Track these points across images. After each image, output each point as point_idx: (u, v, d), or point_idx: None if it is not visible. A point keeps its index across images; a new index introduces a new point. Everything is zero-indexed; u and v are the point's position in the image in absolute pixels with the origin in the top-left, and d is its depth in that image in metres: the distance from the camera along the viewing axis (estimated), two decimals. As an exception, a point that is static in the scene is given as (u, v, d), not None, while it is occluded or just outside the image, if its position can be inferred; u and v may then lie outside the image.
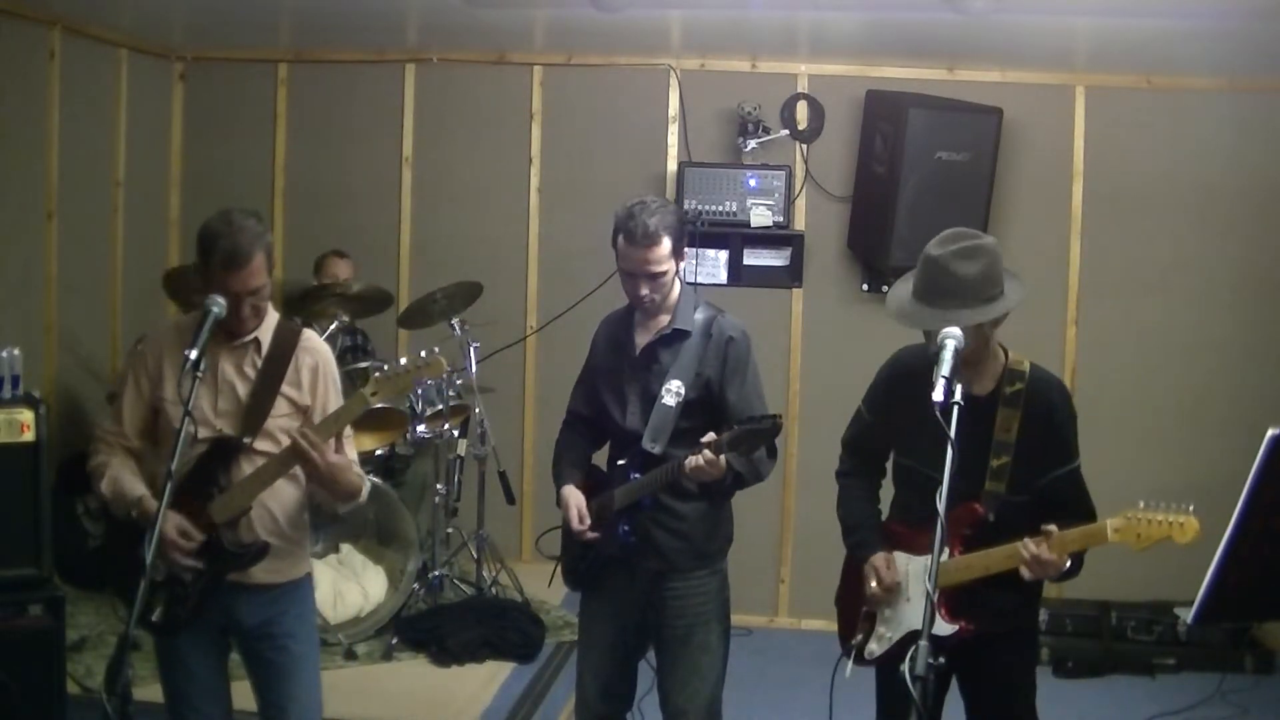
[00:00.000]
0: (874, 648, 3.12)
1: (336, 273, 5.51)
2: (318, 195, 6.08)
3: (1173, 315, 5.71)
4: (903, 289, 2.96)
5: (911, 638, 2.98)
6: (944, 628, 2.93)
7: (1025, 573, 2.81)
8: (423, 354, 2.93)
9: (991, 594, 2.94)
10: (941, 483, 2.76)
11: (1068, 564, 2.82)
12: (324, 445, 2.88)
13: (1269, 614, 3.49)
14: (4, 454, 3.62)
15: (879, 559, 3.08)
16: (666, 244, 3.15)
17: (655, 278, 3.18)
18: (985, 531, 2.92)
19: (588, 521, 3.28)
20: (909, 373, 3.05)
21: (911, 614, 3.04)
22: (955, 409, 2.57)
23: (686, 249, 3.29)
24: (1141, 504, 2.69)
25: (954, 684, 3.17)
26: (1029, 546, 2.79)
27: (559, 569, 3.54)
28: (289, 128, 6.09)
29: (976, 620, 2.94)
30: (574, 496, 3.32)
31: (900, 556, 3.08)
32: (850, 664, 3.07)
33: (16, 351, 3.79)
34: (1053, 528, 2.79)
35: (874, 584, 3.06)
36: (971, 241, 2.87)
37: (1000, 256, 2.90)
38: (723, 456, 2.99)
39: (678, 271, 3.25)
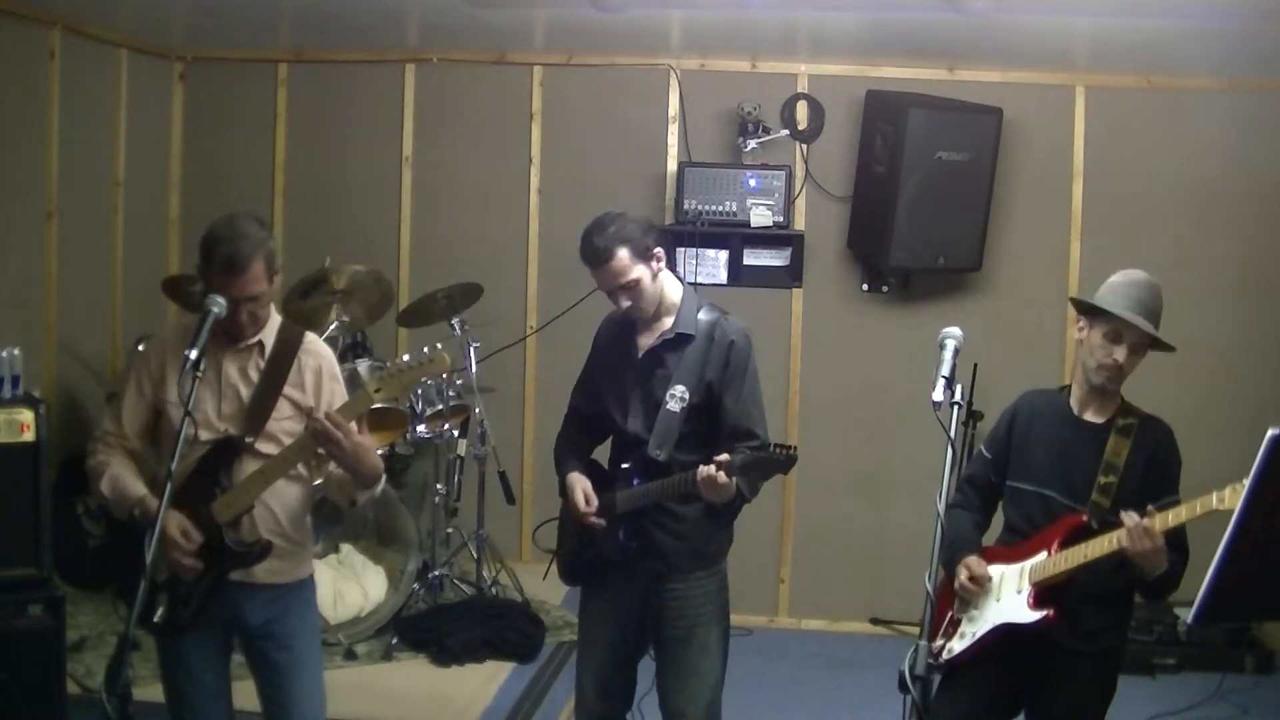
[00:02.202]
0: (955, 646, 3.16)
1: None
2: (318, 195, 6.08)
3: (1173, 315, 5.67)
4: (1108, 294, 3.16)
5: (999, 631, 3.08)
6: (1029, 615, 3.03)
7: (1126, 541, 2.85)
8: (425, 350, 2.94)
9: (1080, 610, 3.05)
10: (1050, 498, 3.11)
11: (1164, 562, 2.87)
12: (348, 425, 2.87)
13: (1269, 614, 3.50)
14: (4, 454, 3.62)
15: (971, 559, 3.16)
16: (623, 254, 3.15)
17: (626, 289, 3.19)
18: (1085, 539, 3.01)
19: (594, 504, 3.27)
20: (1033, 409, 3.25)
21: (1000, 611, 3.10)
22: (955, 409, 2.66)
23: (660, 249, 3.22)
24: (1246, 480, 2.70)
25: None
26: (1132, 516, 2.87)
27: (554, 563, 3.53)
28: (289, 128, 6.09)
29: (1060, 609, 3.01)
30: (580, 481, 3.31)
31: (995, 567, 3.16)
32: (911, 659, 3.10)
33: (16, 351, 3.78)
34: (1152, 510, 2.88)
35: (964, 577, 3.13)
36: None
37: None
38: (733, 480, 2.99)
39: (655, 274, 3.23)
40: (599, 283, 3.23)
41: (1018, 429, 3.24)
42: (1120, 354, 3.05)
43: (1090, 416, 3.15)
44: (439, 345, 2.96)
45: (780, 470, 3.04)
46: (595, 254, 3.16)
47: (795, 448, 3.00)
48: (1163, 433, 3.15)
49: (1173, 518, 2.82)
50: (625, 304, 3.22)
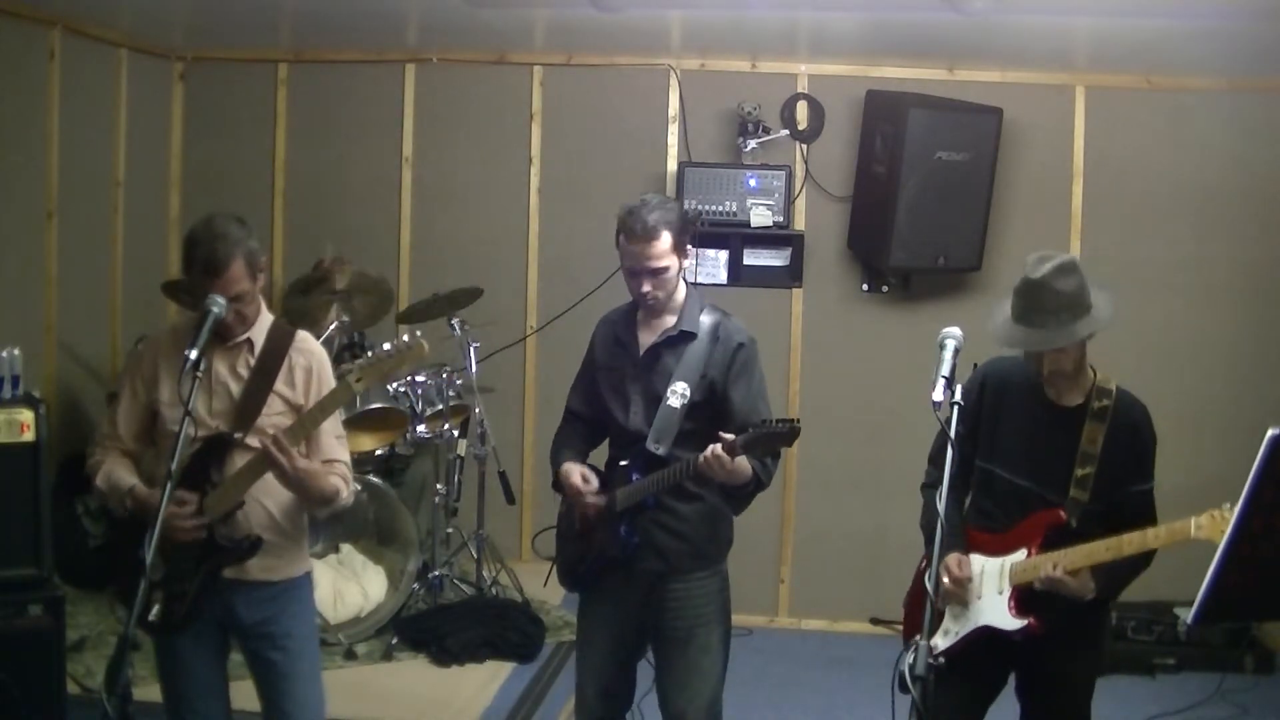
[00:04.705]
0: (938, 642, 3.14)
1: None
2: (318, 195, 6.08)
3: (1173, 315, 5.71)
4: (999, 317, 3.08)
5: (981, 634, 3.07)
6: (1012, 623, 3.02)
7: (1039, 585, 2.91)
8: (405, 338, 2.94)
9: (1060, 600, 3.01)
10: (1026, 489, 3.07)
11: (1087, 590, 2.93)
12: (292, 451, 2.88)
13: (1269, 614, 3.49)
14: (4, 454, 3.63)
15: (951, 558, 3.12)
16: (666, 239, 3.16)
17: (657, 273, 3.18)
18: (1065, 537, 3.00)
19: (593, 483, 3.26)
20: (1001, 379, 3.17)
21: (981, 611, 3.09)
22: (955, 409, 2.66)
23: (688, 248, 3.27)
24: (1227, 505, 2.69)
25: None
26: (1048, 564, 2.91)
27: (554, 570, 3.54)
28: (289, 128, 6.09)
29: (1045, 617, 3.00)
30: (575, 466, 3.31)
31: (976, 558, 3.13)
32: (911, 658, 3.10)
33: (16, 351, 3.79)
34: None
35: (946, 580, 3.10)
36: (1063, 259, 3.03)
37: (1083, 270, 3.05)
38: (742, 459, 2.99)
39: (681, 269, 3.25)
40: (631, 259, 3.19)
41: (987, 400, 3.17)
42: (1047, 364, 3.01)
43: (1064, 399, 3.08)
44: (419, 333, 2.96)
45: (784, 443, 3.03)
46: (644, 229, 3.14)
47: (798, 419, 2.99)
48: (1138, 413, 3.08)
49: (1152, 539, 2.85)
50: (645, 288, 3.20)
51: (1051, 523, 3.03)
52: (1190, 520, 2.76)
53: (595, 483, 3.28)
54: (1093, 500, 3.01)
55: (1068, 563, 2.93)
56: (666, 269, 3.19)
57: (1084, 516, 3.01)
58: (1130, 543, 2.87)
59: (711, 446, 2.99)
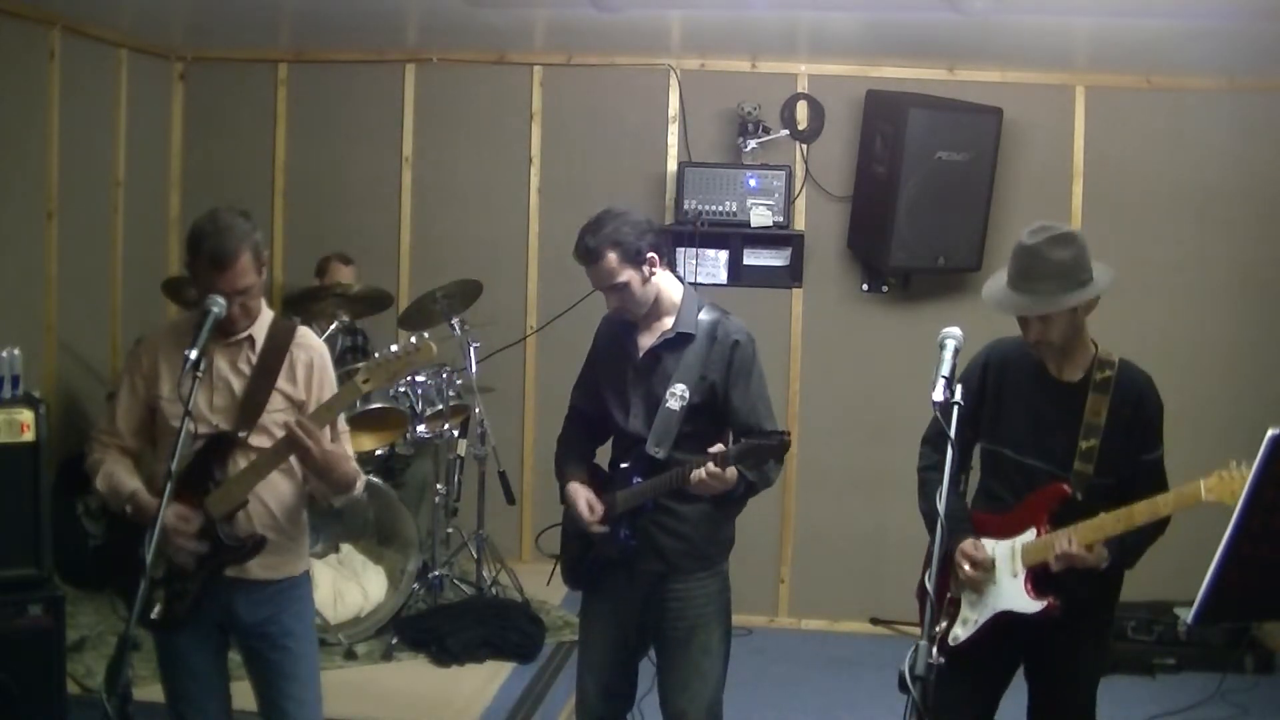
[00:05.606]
0: (959, 633, 3.13)
1: (339, 278, 5.50)
2: (318, 195, 6.08)
3: (1173, 316, 5.71)
4: (995, 282, 3.12)
5: (1000, 619, 3.05)
6: (1031, 604, 3.00)
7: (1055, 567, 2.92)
8: (412, 339, 2.94)
9: (1072, 583, 3.00)
10: (1033, 468, 3.05)
11: (1101, 560, 2.92)
12: (319, 433, 2.88)
13: (1269, 614, 3.49)
14: (4, 454, 3.63)
15: (967, 544, 3.09)
16: (612, 257, 3.16)
17: (615, 290, 3.20)
18: (1073, 511, 2.99)
19: (599, 512, 3.27)
20: (1004, 360, 3.17)
21: (998, 595, 3.07)
22: (955, 409, 2.66)
23: (654, 254, 3.21)
24: (1234, 463, 2.71)
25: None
26: (1063, 540, 2.90)
27: (558, 568, 3.54)
28: (289, 128, 6.09)
29: (1062, 597, 2.99)
30: (582, 491, 3.32)
31: (986, 542, 3.12)
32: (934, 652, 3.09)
33: (16, 351, 3.79)
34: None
35: (966, 567, 3.08)
36: (1062, 230, 3.03)
37: (1087, 245, 3.02)
38: (732, 469, 3.00)
39: (646, 279, 3.22)
40: (590, 281, 3.25)
41: (990, 381, 3.16)
42: (1033, 331, 3.01)
43: (1066, 375, 3.07)
44: (425, 334, 2.97)
45: (773, 455, 3.04)
46: (586, 254, 3.19)
47: (787, 432, 3.01)
48: (1142, 382, 3.06)
49: (1163, 506, 2.82)
50: (613, 305, 3.25)
51: (1057, 498, 3.01)
52: (1199, 483, 2.75)
53: (600, 512, 3.28)
54: (1098, 473, 2.99)
55: (1080, 538, 2.92)
56: (625, 284, 3.18)
57: (1091, 490, 2.99)
58: (1140, 513, 2.85)
59: (706, 464, 3.00)
